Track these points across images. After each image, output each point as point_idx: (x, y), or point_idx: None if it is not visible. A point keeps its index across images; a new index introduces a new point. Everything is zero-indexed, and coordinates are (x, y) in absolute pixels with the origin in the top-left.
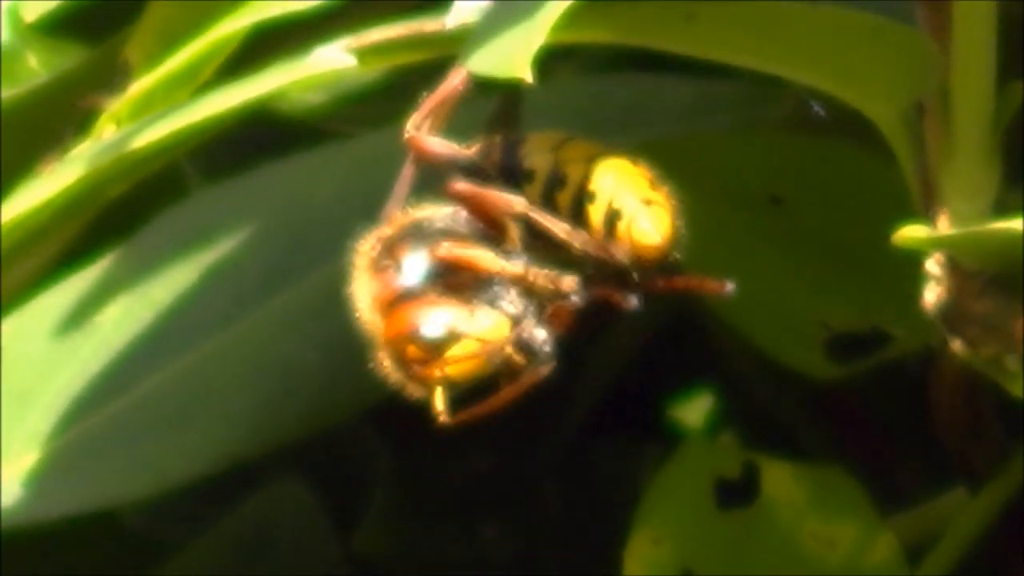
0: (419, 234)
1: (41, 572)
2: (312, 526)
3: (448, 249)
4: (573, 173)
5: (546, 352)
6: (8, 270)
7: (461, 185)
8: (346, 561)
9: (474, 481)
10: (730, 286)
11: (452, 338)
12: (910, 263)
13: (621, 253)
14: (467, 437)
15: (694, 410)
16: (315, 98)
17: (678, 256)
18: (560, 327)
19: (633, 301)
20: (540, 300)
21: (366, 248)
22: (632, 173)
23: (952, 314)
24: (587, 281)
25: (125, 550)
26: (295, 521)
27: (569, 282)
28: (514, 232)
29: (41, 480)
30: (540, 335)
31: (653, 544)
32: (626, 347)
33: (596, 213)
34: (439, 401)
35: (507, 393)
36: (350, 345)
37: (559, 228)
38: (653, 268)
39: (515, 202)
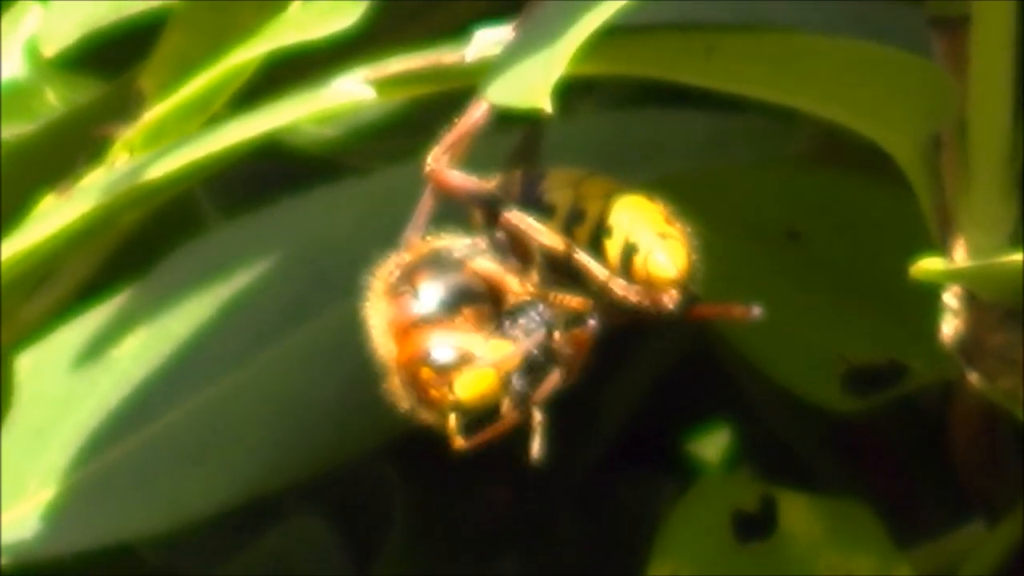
0: (438, 262)
1: None
2: (330, 560)
3: (481, 263)
4: (592, 209)
5: (559, 379)
6: (25, 304)
7: (512, 215)
8: None
9: (492, 515)
10: (757, 310)
11: (464, 362)
12: (928, 296)
13: (660, 298)
14: (484, 471)
15: (712, 444)
16: (331, 132)
17: (695, 289)
18: (578, 354)
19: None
20: (557, 327)
21: (384, 273)
22: (648, 208)
23: (969, 347)
24: (610, 315)
25: None
26: (313, 555)
27: (587, 303)
28: (537, 267)
29: (59, 515)
30: (553, 362)
31: None
32: (644, 381)
33: (613, 248)
34: (452, 426)
35: (516, 417)
36: (368, 380)
37: (599, 272)
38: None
39: (558, 240)
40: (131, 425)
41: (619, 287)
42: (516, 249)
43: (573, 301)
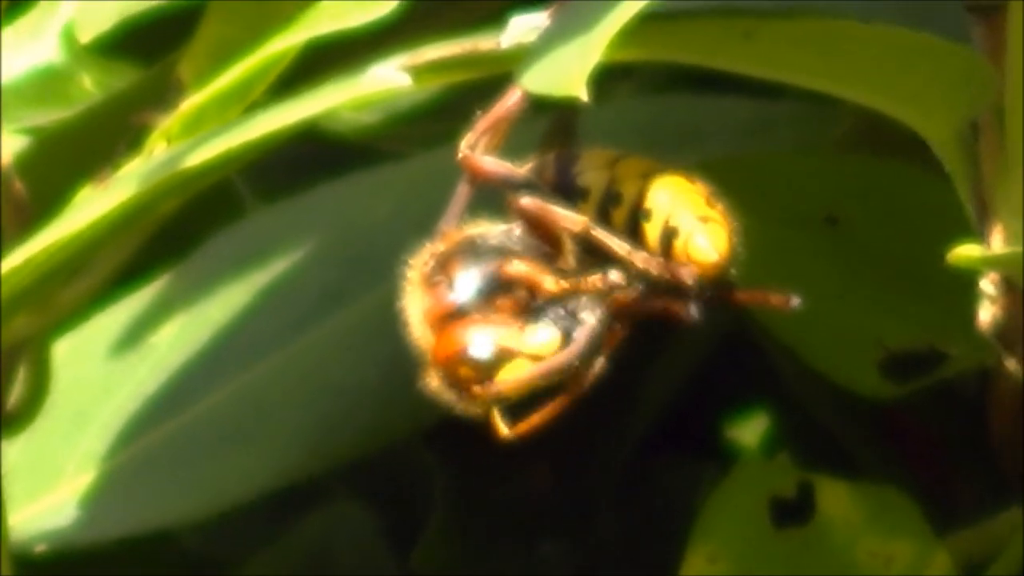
0: (472, 251)
1: None
2: (369, 545)
3: (515, 266)
4: (628, 190)
5: (600, 360)
6: (63, 290)
7: (526, 201)
8: None
9: (531, 500)
10: (795, 300)
11: (503, 356)
12: (965, 282)
13: (680, 270)
14: (524, 455)
15: (750, 429)
16: (369, 117)
17: (735, 273)
18: (617, 334)
19: (694, 313)
20: (595, 318)
21: (419, 263)
22: (688, 190)
23: (1007, 333)
24: (646, 296)
25: (182, 570)
26: (352, 540)
27: (618, 276)
28: (570, 249)
29: (97, 500)
30: (591, 344)
31: (709, 562)
32: (682, 366)
33: (652, 231)
34: (497, 418)
35: (564, 402)
36: (406, 365)
37: (619, 247)
38: (711, 285)
39: (576, 220)
40: (169, 410)
41: (640, 260)
42: (544, 234)
43: (603, 278)
